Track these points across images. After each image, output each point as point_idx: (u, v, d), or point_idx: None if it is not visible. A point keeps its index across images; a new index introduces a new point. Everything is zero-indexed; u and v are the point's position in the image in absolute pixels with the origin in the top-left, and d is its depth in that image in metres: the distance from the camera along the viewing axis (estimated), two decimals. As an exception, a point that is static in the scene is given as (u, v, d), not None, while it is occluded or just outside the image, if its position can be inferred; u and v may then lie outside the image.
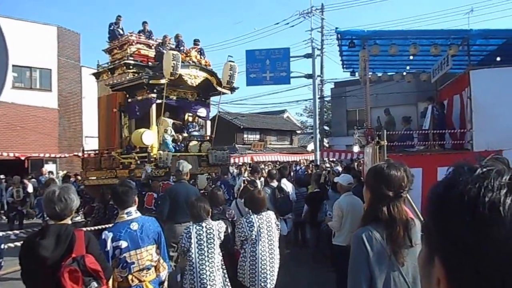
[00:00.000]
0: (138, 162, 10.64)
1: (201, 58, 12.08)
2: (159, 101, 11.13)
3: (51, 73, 21.72)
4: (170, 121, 11.92)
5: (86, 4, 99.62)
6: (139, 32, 12.82)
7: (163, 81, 10.69)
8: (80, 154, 14.95)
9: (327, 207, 6.94)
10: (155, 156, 10.44)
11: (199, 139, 12.63)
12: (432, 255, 0.67)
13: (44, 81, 21.54)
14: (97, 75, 13.12)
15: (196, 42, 12.77)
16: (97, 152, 13.27)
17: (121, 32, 12.75)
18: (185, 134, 12.40)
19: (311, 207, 7.47)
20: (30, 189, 13.94)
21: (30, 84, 21.10)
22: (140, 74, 11.29)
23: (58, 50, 22.05)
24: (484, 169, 0.62)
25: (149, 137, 10.52)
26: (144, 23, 13.01)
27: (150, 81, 10.74)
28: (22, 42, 19.54)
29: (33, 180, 15.20)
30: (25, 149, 19.08)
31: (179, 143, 11.70)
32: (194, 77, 11.39)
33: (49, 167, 20.43)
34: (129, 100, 11.70)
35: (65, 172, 17.27)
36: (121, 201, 3.41)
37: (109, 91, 12.20)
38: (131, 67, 11.90)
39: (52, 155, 20.31)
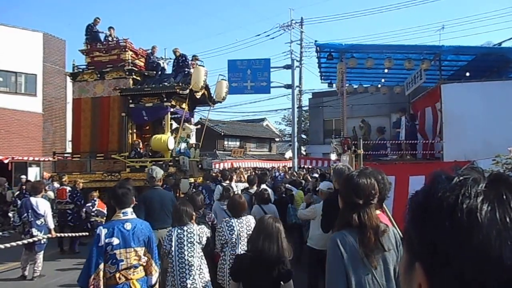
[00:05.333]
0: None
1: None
2: (172, 109, 11.82)
3: (36, 79, 21.69)
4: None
5: (72, 12, 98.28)
6: (105, 37, 12.79)
7: (186, 92, 11.36)
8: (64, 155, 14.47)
9: (293, 211, 7.38)
10: (169, 160, 11.06)
11: (194, 146, 13.39)
12: (413, 261, 0.67)
13: (29, 86, 21.49)
14: (74, 76, 12.63)
15: (195, 57, 12.97)
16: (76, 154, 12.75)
17: (100, 33, 12.72)
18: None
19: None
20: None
21: (15, 88, 21.04)
22: (169, 82, 11.73)
23: (44, 56, 22.04)
24: (461, 178, 0.64)
25: (172, 142, 11.30)
26: (110, 28, 12.85)
27: (180, 92, 11.35)
28: (8, 47, 19.66)
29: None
30: (10, 153, 18.87)
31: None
32: (200, 90, 11.99)
33: (33, 170, 20.49)
34: (132, 105, 11.73)
35: (49, 174, 17.05)
36: (120, 202, 3.59)
37: (95, 93, 12.15)
38: (133, 73, 12.06)
39: (36, 158, 20.16)
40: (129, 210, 3.62)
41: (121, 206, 3.58)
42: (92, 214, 8.92)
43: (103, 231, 3.38)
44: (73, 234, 8.76)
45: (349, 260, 2.09)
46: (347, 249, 2.10)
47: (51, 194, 12.49)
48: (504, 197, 0.60)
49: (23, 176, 15.52)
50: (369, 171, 2.48)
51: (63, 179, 10.51)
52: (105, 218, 8.87)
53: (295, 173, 15.35)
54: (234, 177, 10.39)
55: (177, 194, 9.55)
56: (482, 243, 0.57)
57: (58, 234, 7.89)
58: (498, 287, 0.56)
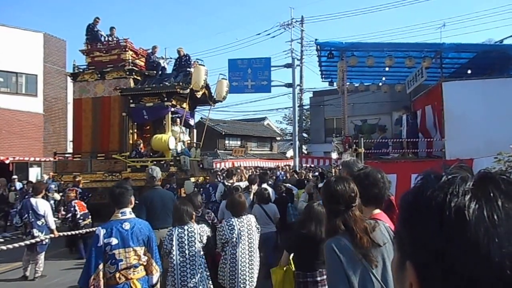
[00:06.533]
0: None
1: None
2: (173, 109, 11.85)
3: (37, 79, 21.77)
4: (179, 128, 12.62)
5: (72, 12, 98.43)
6: (104, 39, 12.81)
7: (186, 91, 11.38)
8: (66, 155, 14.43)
9: (292, 210, 7.38)
10: (170, 159, 11.07)
11: (194, 146, 13.51)
12: (403, 260, 0.67)
13: (30, 86, 21.59)
14: (74, 76, 12.61)
15: (198, 60, 12.94)
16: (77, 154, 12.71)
17: (101, 34, 12.75)
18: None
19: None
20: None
21: (16, 89, 21.14)
22: (170, 82, 11.70)
23: (44, 56, 22.14)
24: (449, 176, 0.64)
25: (173, 142, 11.31)
26: (112, 28, 12.89)
27: (180, 91, 11.35)
28: (9, 48, 19.77)
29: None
30: (10, 153, 18.99)
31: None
32: (200, 89, 12.00)
33: (33, 170, 20.61)
34: (133, 105, 11.74)
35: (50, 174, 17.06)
36: (117, 201, 3.60)
37: (96, 93, 12.18)
38: (133, 73, 12.09)
39: (37, 159, 20.30)
40: (128, 210, 3.63)
41: (119, 206, 3.59)
42: (80, 220, 8.67)
43: (101, 232, 3.40)
44: (76, 232, 8.68)
45: (348, 264, 2.07)
46: (344, 253, 2.08)
47: (56, 196, 12.51)
48: (492, 195, 0.60)
49: (15, 176, 15.50)
50: (369, 170, 2.45)
51: (77, 179, 10.53)
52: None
53: (295, 174, 15.31)
54: (234, 176, 10.38)
55: (179, 194, 9.54)
56: (470, 241, 0.57)
57: (61, 233, 7.89)
58: (487, 285, 0.56)
